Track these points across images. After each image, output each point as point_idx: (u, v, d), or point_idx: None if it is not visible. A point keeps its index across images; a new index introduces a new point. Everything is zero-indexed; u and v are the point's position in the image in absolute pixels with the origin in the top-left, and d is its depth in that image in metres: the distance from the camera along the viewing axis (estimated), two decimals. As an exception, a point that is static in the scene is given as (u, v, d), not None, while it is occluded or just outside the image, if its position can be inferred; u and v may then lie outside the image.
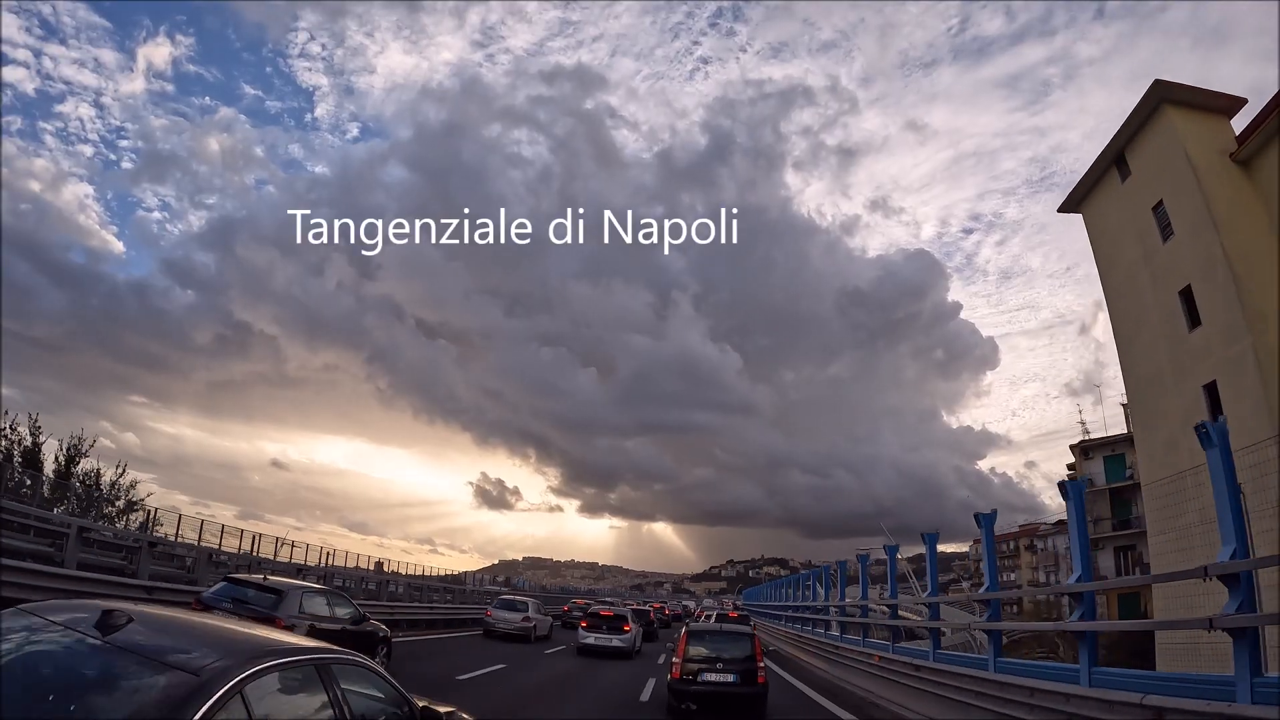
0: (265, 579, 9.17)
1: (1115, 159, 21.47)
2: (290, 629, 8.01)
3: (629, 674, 14.86)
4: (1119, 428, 35.48)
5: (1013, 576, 61.36)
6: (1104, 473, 34.59)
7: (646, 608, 32.15)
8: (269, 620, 8.15)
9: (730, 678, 9.24)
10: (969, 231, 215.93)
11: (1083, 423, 38.65)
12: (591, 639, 18.13)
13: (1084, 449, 35.85)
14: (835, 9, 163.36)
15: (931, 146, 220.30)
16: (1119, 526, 33.20)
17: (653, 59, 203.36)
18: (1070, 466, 38.41)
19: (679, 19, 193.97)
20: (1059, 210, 24.35)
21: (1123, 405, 34.75)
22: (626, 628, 18.39)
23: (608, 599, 45.51)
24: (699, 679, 9.27)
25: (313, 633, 8.55)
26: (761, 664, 9.49)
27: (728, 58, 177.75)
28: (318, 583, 14.15)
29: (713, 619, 22.26)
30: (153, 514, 17.96)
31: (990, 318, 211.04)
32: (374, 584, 23.08)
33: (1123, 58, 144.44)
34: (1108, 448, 34.98)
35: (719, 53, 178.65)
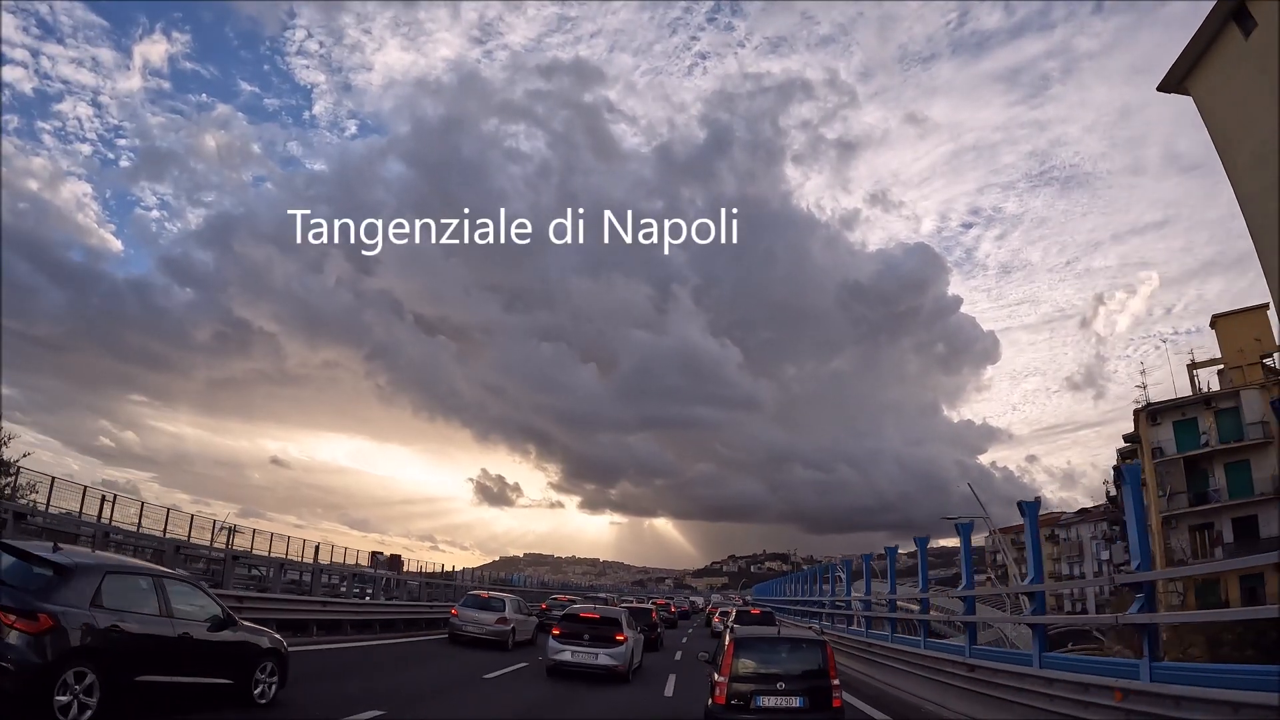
0: (56, 547, 6.38)
1: (1232, 12, 17.91)
2: (61, 631, 5.53)
3: None
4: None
5: (1032, 569, 61.59)
6: (1174, 440, 31.34)
7: (647, 605, 25.57)
8: (28, 613, 5.42)
9: (796, 701, 7.36)
10: (969, 226, 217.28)
11: (1143, 386, 35.19)
12: (567, 654, 12.95)
13: (1151, 413, 32.37)
14: (834, 4, 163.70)
15: (931, 140, 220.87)
16: (1195, 501, 29.85)
17: (651, 54, 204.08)
18: (1128, 438, 35.77)
19: (677, 14, 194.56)
20: (1158, 89, 20.76)
21: (1188, 365, 33.02)
22: (619, 637, 13.24)
23: (603, 595, 38.91)
24: (753, 704, 7.36)
25: (115, 640, 5.93)
26: (836, 680, 7.55)
27: (726, 53, 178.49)
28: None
29: (731, 616, 21.52)
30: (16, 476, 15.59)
31: (990, 312, 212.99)
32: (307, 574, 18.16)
33: (1123, 51, 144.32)
34: (1177, 411, 31.59)
35: (717, 48, 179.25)
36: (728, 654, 7.64)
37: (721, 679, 7.50)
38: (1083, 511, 56.40)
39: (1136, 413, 33.44)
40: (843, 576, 21.00)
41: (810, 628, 12.07)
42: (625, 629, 13.51)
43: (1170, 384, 35.70)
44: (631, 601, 31.63)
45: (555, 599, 29.44)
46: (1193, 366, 33.28)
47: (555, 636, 13.37)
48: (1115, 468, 27.44)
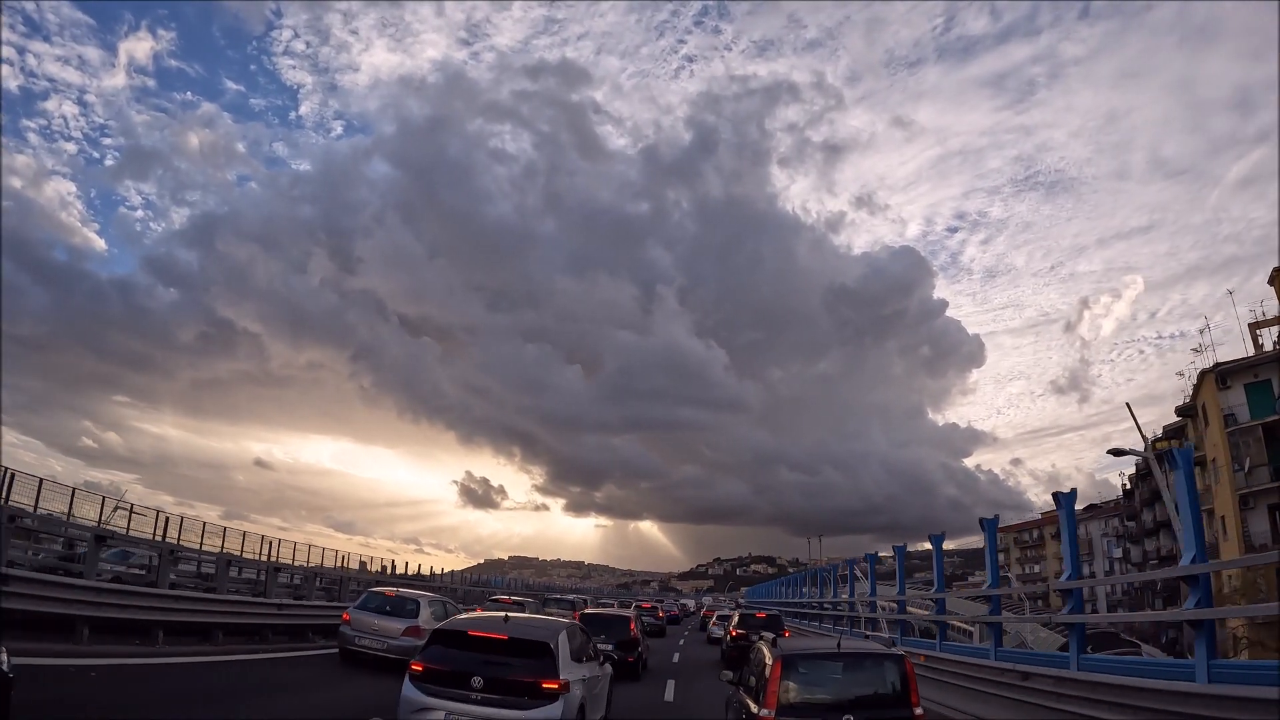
0: None
1: None
2: None
3: None
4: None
5: (1037, 568, 61.98)
6: (1247, 405, 28.35)
7: (626, 613, 18.81)
8: None
9: None
10: (954, 230, 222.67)
11: (1198, 349, 31.64)
12: (439, 716, 6.45)
13: (1220, 375, 29.43)
14: (821, 7, 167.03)
15: (918, 144, 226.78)
16: (1277, 475, 26.90)
17: (638, 56, 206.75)
18: (1181, 410, 34.19)
19: (664, 17, 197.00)
20: None
21: (1250, 325, 31.10)
22: (549, 684, 6.61)
23: (569, 597, 28.04)
24: None
25: None
26: (920, 710, 5.88)
27: (713, 55, 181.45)
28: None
29: (733, 620, 20.29)
30: None
31: (975, 315, 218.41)
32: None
33: (1109, 56, 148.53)
34: (1248, 373, 28.64)
35: (704, 50, 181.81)
36: (773, 677, 5.86)
37: (766, 712, 5.75)
38: (1091, 508, 57.03)
39: (1202, 374, 31.08)
40: (845, 577, 20.88)
41: (868, 636, 9.89)
42: (565, 666, 6.89)
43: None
44: (613, 605, 26.81)
45: (497, 600, 22.77)
46: (1255, 326, 31.06)
47: (416, 676, 6.68)
48: (1164, 450, 25.75)
